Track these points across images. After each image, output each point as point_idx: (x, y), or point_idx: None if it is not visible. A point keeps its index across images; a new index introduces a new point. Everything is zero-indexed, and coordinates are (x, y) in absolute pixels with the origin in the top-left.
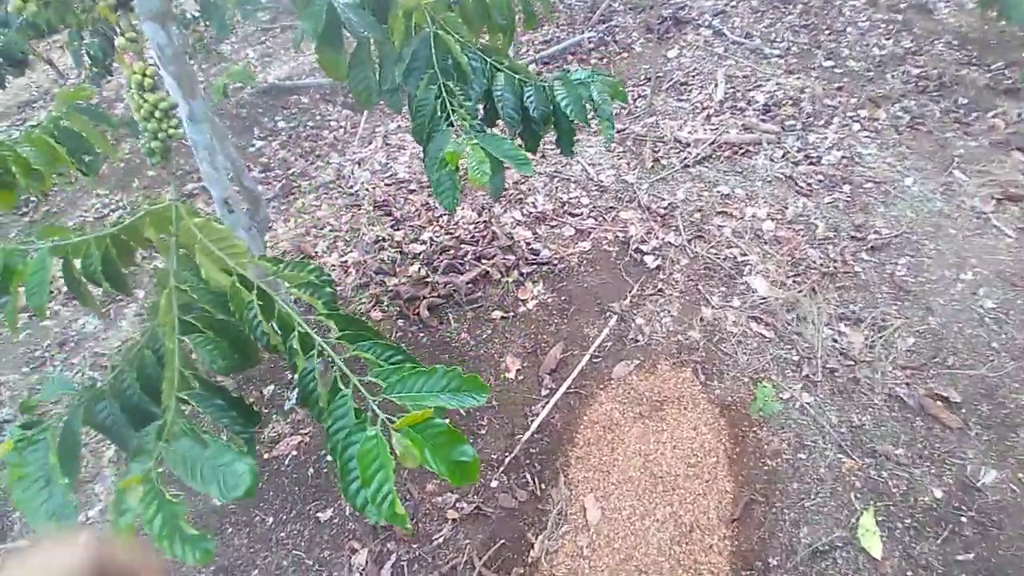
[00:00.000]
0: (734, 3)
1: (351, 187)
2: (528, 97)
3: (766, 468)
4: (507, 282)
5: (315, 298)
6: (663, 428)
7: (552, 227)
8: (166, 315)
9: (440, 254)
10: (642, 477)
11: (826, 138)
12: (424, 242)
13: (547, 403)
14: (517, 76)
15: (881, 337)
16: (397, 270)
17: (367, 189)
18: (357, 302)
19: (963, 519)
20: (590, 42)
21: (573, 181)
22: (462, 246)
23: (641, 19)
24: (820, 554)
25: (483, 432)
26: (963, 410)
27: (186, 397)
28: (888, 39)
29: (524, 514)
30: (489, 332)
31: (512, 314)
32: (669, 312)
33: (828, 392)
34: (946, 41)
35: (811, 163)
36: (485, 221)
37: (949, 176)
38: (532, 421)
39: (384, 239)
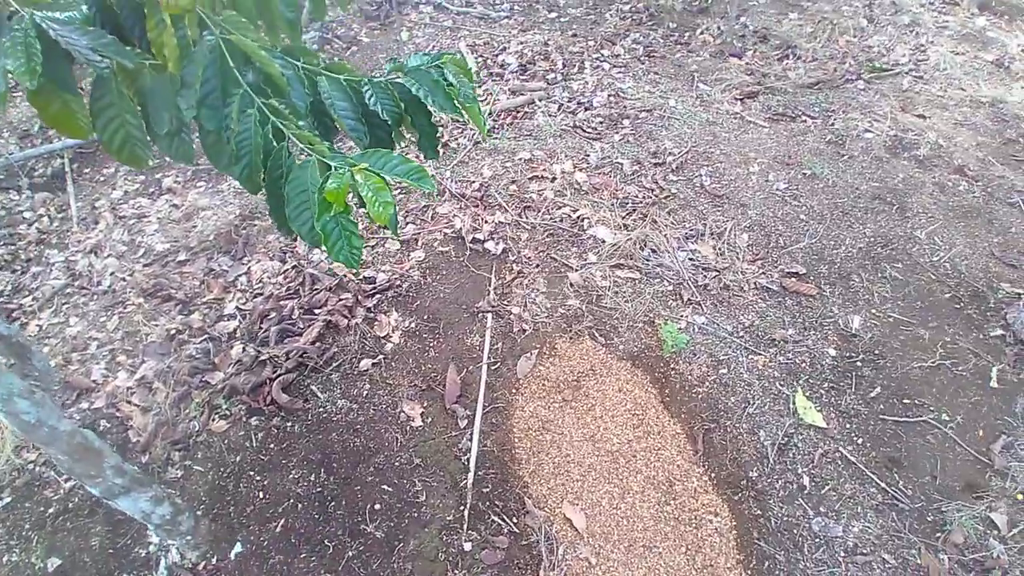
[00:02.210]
0: None
1: (98, 284)
2: (370, 98)
3: (701, 396)
4: (357, 324)
5: None
6: (592, 403)
7: (372, 247)
8: None
9: (261, 322)
10: (599, 459)
11: (587, 83)
12: (232, 316)
13: (471, 434)
14: (342, 77)
15: (723, 242)
16: (216, 361)
17: (122, 279)
18: (185, 421)
19: (858, 363)
20: (312, 44)
21: None
22: (283, 303)
23: (355, 8)
24: (784, 447)
25: (423, 498)
26: (811, 277)
27: None
28: None
29: (515, 559)
30: (367, 387)
31: (381, 356)
32: (538, 290)
33: (712, 306)
34: None
35: (586, 108)
36: (293, 267)
37: (697, 90)
38: (467, 460)
39: (179, 331)
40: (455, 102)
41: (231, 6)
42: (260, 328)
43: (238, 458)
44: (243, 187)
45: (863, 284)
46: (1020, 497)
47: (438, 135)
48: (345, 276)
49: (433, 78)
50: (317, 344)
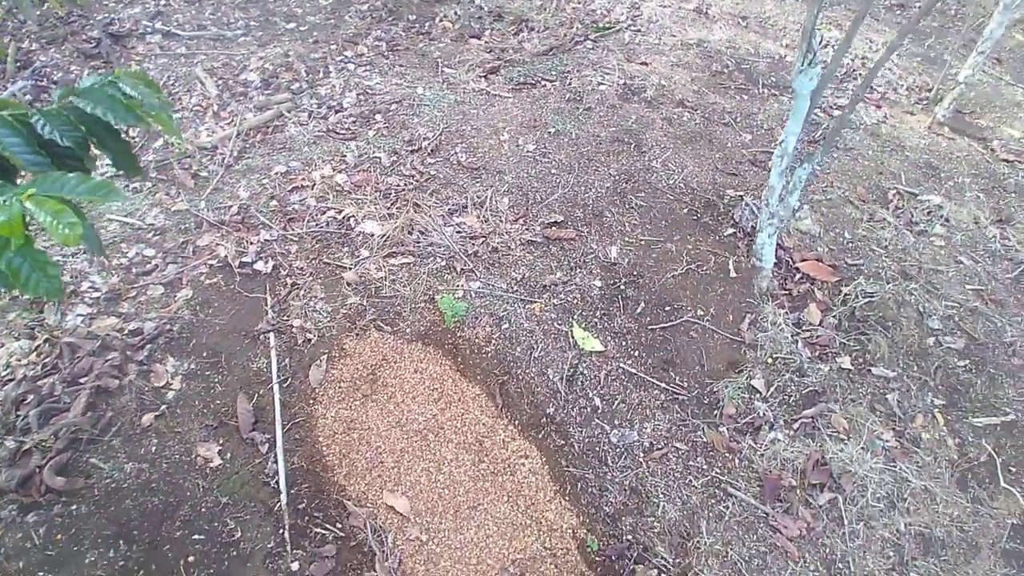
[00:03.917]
0: (164, 2)
1: None
2: (43, 128)
3: (490, 354)
4: (130, 381)
5: None
6: (392, 391)
7: (133, 297)
8: None
9: (17, 409)
10: (410, 442)
11: (334, 86)
12: None
13: (275, 456)
14: (6, 113)
15: (486, 210)
16: None
17: None
18: None
19: (622, 287)
20: (25, 94)
21: (120, 240)
22: (40, 383)
23: (67, 48)
24: (572, 378)
25: (239, 535)
26: (569, 223)
27: None
28: None
29: (347, 562)
30: (155, 441)
31: (164, 406)
32: (316, 297)
33: (484, 270)
34: None
35: (338, 111)
36: (46, 340)
37: (442, 74)
38: (276, 482)
39: None
40: (139, 113)
41: None
42: (16, 416)
43: (21, 564)
44: None
45: (615, 217)
46: (770, 360)
47: (133, 151)
48: (108, 336)
49: (108, 94)
50: (88, 414)
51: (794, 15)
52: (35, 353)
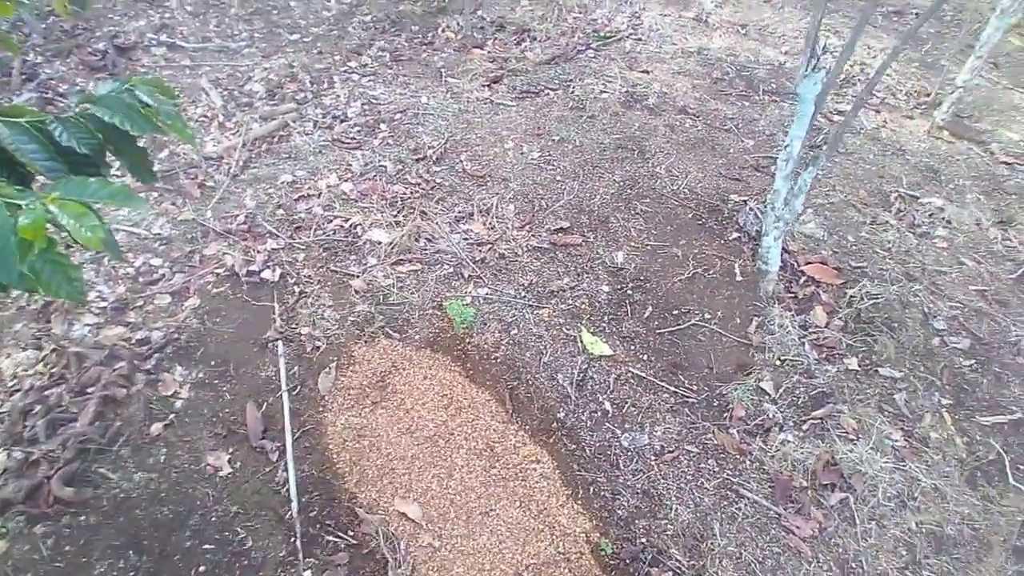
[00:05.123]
0: (168, 15)
1: None
2: (60, 135)
3: (499, 360)
4: (138, 391)
5: None
6: (401, 398)
7: (140, 306)
8: None
9: (24, 420)
10: (420, 448)
11: (339, 96)
12: None
13: (286, 464)
14: (24, 120)
15: (492, 217)
16: None
17: None
18: None
19: (629, 291)
20: (31, 106)
21: (126, 250)
22: (48, 393)
23: (73, 61)
24: (581, 383)
25: (250, 544)
26: (575, 229)
27: None
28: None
29: (360, 570)
30: (164, 451)
31: (172, 416)
32: (324, 305)
33: (492, 276)
34: None
35: (343, 121)
36: (53, 350)
37: (446, 84)
38: (287, 490)
39: None
40: (155, 122)
41: None
42: (24, 427)
43: None
44: None
45: (620, 223)
46: (778, 363)
47: (148, 158)
48: (115, 345)
49: (127, 102)
50: (96, 424)
51: (792, 23)
52: (42, 363)
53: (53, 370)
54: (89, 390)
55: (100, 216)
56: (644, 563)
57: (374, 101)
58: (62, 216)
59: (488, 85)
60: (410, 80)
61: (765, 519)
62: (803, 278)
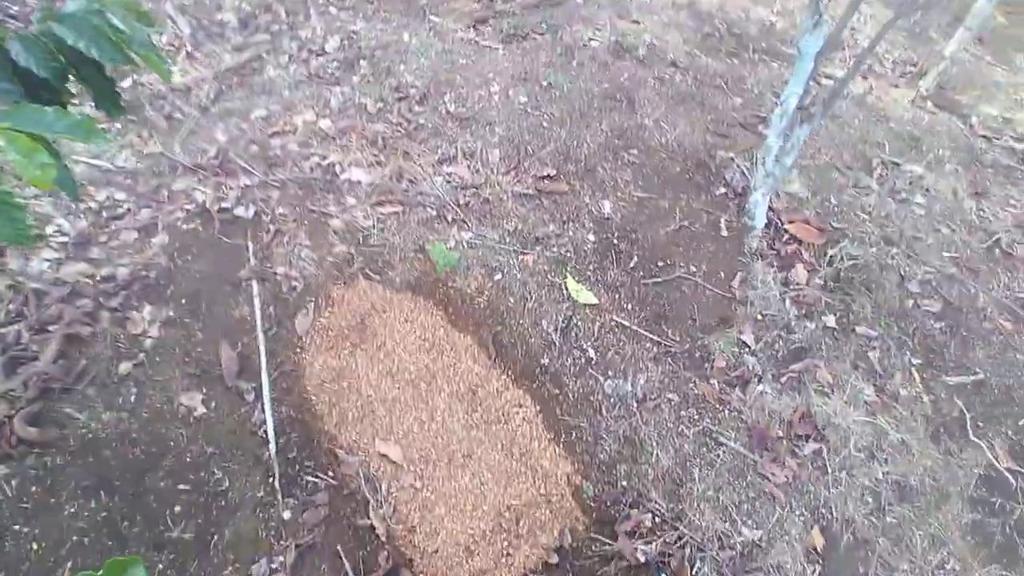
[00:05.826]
0: None
1: None
2: (17, 55)
3: (483, 305)
4: (104, 329)
5: None
6: (381, 340)
7: (104, 242)
8: None
9: None
10: (401, 391)
11: (315, 29)
12: None
13: (263, 405)
14: None
15: (476, 160)
16: None
17: None
18: None
19: (615, 241)
20: None
21: (90, 183)
22: (4, 331)
23: None
24: (566, 330)
25: (227, 484)
26: (561, 176)
27: None
28: None
29: (340, 510)
30: (134, 390)
31: (142, 354)
32: (301, 244)
33: (476, 221)
34: None
35: (320, 55)
36: (9, 286)
37: (429, 22)
38: (264, 431)
39: None
40: (127, 52)
41: None
42: None
43: None
44: None
45: (607, 173)
46: (760, 317)
47: (116, 88)
48: (78, 282)
49: (94, 24)
50: (60, 363)
51: None
52: None
53: (10, 307)
54: (50, 328)
55: (56, 151)
56: (625, 505)
57: (353, 36)
58: (8, 151)
59: (473, 26)
60: (391, 16)
61: (742, 466)
62: (786, 236)
